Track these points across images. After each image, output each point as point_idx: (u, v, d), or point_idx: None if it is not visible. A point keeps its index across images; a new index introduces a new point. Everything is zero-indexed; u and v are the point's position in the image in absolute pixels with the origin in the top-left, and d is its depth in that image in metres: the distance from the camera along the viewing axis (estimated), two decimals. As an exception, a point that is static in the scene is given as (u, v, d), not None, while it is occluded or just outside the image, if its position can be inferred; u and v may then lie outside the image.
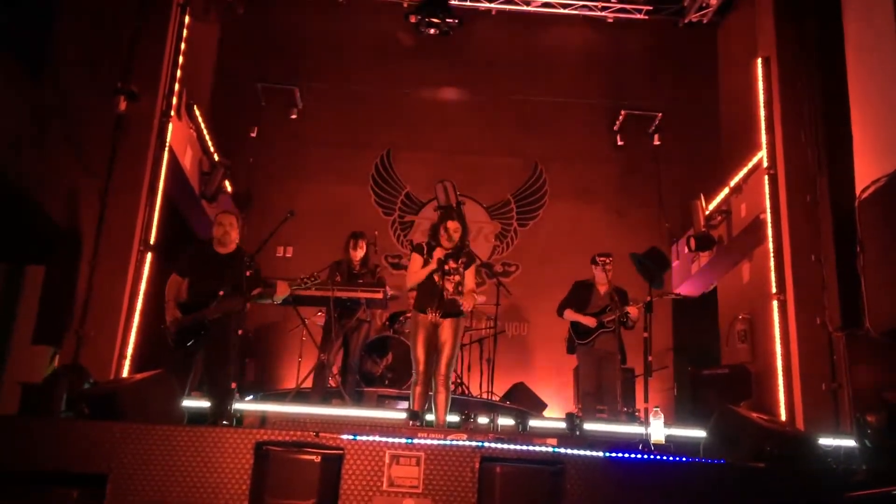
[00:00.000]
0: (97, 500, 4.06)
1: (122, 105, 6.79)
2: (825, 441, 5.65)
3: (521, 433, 6.08)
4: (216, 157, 8.84)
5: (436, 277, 5.81)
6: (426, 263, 5.86)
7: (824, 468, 4.95)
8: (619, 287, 7.26)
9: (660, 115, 10.43)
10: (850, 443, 5.74)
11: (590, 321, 7.20)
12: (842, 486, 4.31)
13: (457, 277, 5.85)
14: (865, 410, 5.47)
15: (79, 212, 6.53)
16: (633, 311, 7.00)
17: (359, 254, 7.59)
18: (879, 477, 4.38)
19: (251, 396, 7.10)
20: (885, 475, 4.41)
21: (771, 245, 7.29)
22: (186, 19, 7.62)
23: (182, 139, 7.83)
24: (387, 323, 8.42)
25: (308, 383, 7.44)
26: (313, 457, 4.15)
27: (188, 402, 5.87)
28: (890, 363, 6.05)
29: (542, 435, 6.18)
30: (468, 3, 10.74)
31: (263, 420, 6.40)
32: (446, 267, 5.84)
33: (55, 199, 6.28)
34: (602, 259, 7.31)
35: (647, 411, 5.64)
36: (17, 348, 6.08)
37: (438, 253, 5.86)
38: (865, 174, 6.11)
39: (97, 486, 4.07)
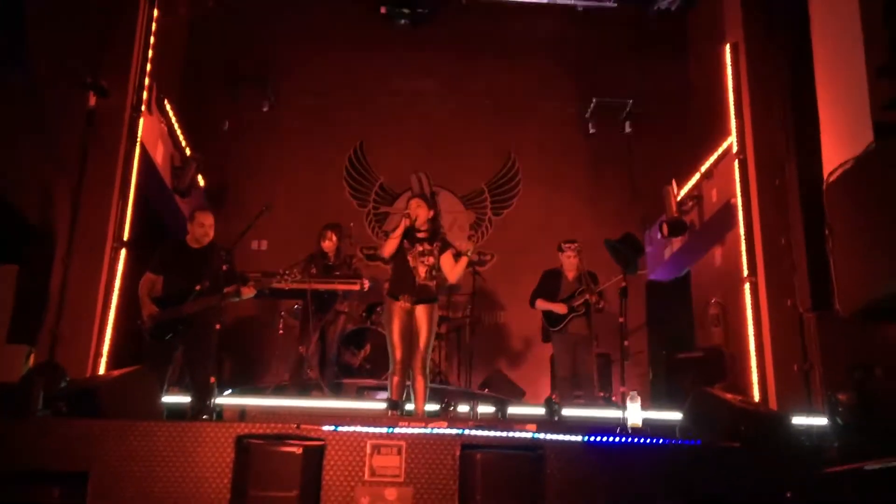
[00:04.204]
0: (79, 497, 4.04)
1: (92, 100, 6.73)
2: (798, 420, 5.76)
3: (501, 420, 6.13)
4: (188, 152, 8.78)
5: (409, 260, 5.83)
6: (400, 242, 5.88)
7: (798, 446, 5.05)
8: (590, 271, 7.34)
9: (631, 101, 10.50)
10: (822, 421, 5.85)
11: (560, 308, 7.27)
12: (815, 464, 4.41)
13: (430, 260, 5.85)
14: (836, 389, 5.58)
15: (51, 209, 6.46)
16: (592, 298, 7.09)
17: (329, 245, 7.61)
18: (851, 453, 4.48)
19: (230, 391, 7.09)
20: (857, 452, 4.51)
21: (742, 229, 7.38)
22: (155, 12, 7.53)
23: (153, 134, 7.77)
24: (364, 314, 8.43)
25: (286, 376, 7.44)
26: (295, 448, 4.16)
27: (167, 398, 5.85)
28: (859, 343, 6.17)
29: (522, 421, 6.24)
30: (439, -8, 10.73)
31: (243, 414, 6.39)
32: (420, 248, 5.85)
33: (27, 197, 6.20)
34: (567, 245, 7.39)
35: (624, 395, 5.71)
36: (-9, 348, 6.02)
37: (405, 221, 5.86)
38: (833, 157, 6.19)
39: (78, 484, 4.06)
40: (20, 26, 6.01)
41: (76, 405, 4.59)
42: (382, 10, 10.51)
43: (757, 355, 7.03)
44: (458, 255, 5.95)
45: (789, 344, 6.79)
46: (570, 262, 7.39)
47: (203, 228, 6.04)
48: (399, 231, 5.83)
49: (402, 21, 10.53)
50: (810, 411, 6.26)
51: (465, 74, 10.99)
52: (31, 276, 6.23)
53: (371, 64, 10.86)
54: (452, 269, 5.91)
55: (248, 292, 5.99)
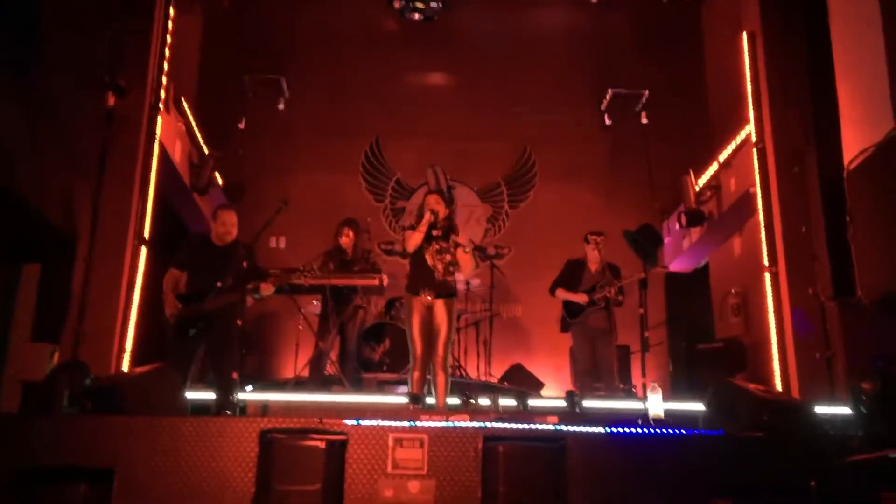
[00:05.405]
0: (105, 493, 4.07)
1: (111, 100, 6.79)
2: (821, 409, 5.72)
3: (523, 412, 6.13)
4: (206, 150, 8.83)
5: (427, 258, 5.86)
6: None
7: (821, 435, 5.02)
8: (612, 263, 7.32)
9: (646, 92, 10.44)
10: (845, 410, 5.82)
11: (581, 298, 7.25)
12: (839, 452, 4.38)
13: (447, 257, 5.88)
14: (860, 377, 5.53)
15: (72, 209, 6.52)
16: (611, 293, 7.09)
17: (346, 241, 7.64)
18: (875, 442, 4.45)
19: (251, 386, 7.14)
20: (881, 440, 4.48)
21: (761, 218, 7.35)
22: (171, 12, 7.59)
23: (171, 132, 7.81)
24: (383, 310, 8.46)
25: (306, 372, 7.48)
26: (318, 443, 4.17)
27: (190, 394, 5.90)
28: (882, 330, 6.13)
29: (543, 413, 6.23)
30: (452, -13, 10.72)
31: (265, 409, 6.44)
32: (436, 246, 5.87)
33: (48, 197, 6.26)
34: (594, 237, 7.37)
35: (645, 386, 5.70)
36: (15, 347, 6.08)
37: (429, 217, 5.88)
38: (853, 144, 6.15)
39: (105, 480, 4.09)
40: (36, 27, 6.06)
41: (101, 402, 4.62)
42: (396, 5, 10.53)
43: (778, 345, 7.00)
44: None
45: (811, 332, 6.75)
46: (594, 254, 7.38)
47: (226, 226, 6.08)
48: (424, 226, 5.87)
49: (416, 16, 10.54)
50: (833, 400, 6.23)
51: (479, 68, 10.97)
52: (53, 276, 6.30)
53: (385, 59, 10.87)
54: (464, 265, 5.92)
55: (267, 289, 6.03)
